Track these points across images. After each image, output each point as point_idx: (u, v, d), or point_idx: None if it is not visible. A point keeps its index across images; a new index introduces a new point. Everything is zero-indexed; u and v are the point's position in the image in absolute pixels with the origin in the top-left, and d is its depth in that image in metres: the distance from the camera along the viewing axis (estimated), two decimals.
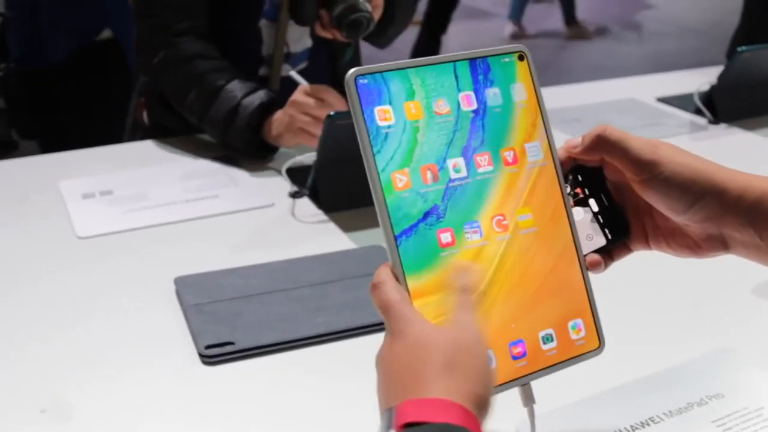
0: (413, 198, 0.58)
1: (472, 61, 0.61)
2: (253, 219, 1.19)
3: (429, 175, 0.59)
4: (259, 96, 1.32)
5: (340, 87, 1.57)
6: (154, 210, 1.20)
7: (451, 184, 0.59)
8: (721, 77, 1.59)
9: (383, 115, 0.58)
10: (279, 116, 1.32)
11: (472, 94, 0.61)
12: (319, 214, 1.20)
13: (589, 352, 0.64)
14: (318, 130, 1.22)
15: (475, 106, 0.61)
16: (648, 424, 0.74)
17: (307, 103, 1.28)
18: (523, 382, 0.61)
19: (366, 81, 0.57)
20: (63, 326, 0.91)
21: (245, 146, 1.35)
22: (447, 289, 0.57)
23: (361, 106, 0.57)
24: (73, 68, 1.77)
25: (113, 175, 1.32)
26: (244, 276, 1.00)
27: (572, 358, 0.63)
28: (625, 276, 1.02)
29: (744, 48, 1.51)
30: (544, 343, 0.62)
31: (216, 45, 1.39)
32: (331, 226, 1.16)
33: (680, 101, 1.71)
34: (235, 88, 1.33)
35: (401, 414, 0.49)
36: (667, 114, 1.67)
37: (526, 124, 0.63)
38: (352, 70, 0.57)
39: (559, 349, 0.62)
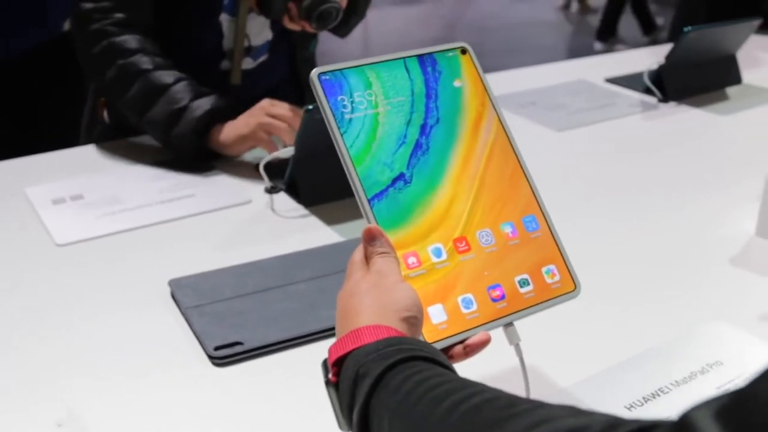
0: (380, 168, 0.66)
1: (420, 57, 0.70)
2: (234, 216, 1.18)
3: (393, 147, 0.66)
4: (209, 101, 1.29)
5: (299, 78, 1.58)
6: (132, 213, 1.18)
7: (414, 155, 0.67)
8: (669, 57, 1.65)
9: (345, 102, 0.66)
10: (240, 119, 1.30)
11: (422, 81, 0.69)
12: (299, 209, 1.20)
13: (567, 293, 0.69)
14: (283, 133, 1.26)
15: (426, 91, 0.69)
16: (658, 395, 0.77)
17: (267, 107, 1.29)
18: (505, 321, 0.66)
19: (328, 77, 0.66)
20: (66, 336, 0.89)
21: (187, 149, 1.31)
22: (370, 255, 0.64)
23: (326, 96, 0.65)
24: (20, 67, 1.70)
25: (80, 178, 1.29)
26: (238, 275, 0.99)
27: (550, 299, 0.68)
28: (611, 255, 1.05)
29: (690, 28, 1.57)
30: (521, 286, 0.67)
31: (168, 41, 1.37)
32: (313, 220, 1.17)
33: (629, 81, 1.77)
34: (183, 89, 1.29)
35: (329, 357, 0.58)
36: (617, 94, 1.72)
37: (476, 104, 0.71)
38: (314, 70, 0.65)
39: (536, 291, 0.67)
